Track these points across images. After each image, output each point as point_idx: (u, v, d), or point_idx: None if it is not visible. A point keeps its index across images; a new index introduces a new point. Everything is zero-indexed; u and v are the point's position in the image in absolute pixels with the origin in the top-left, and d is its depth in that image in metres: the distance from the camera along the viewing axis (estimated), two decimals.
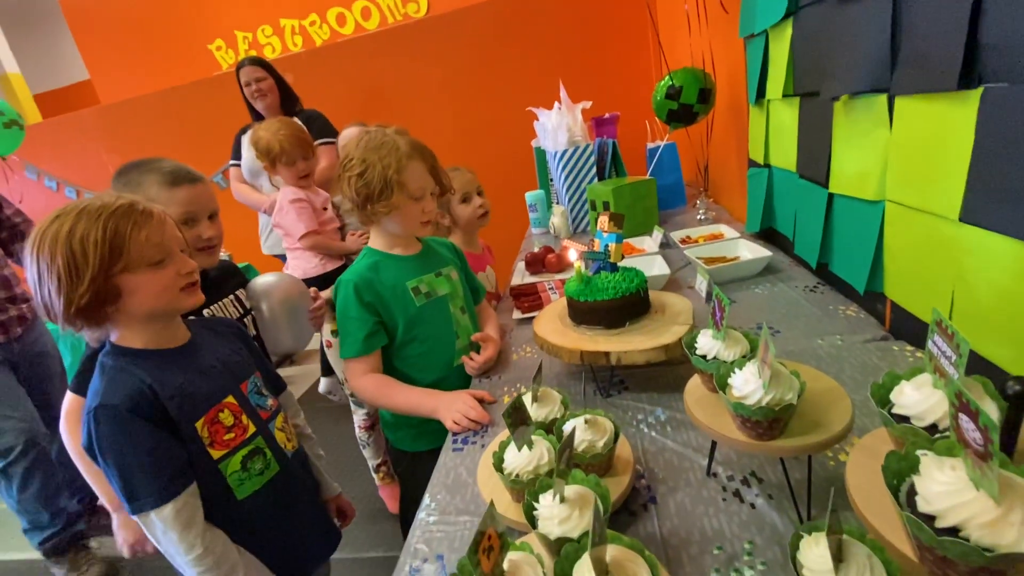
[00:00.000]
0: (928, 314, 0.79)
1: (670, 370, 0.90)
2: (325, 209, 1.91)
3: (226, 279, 1.10)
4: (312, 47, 3.73)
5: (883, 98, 0.83)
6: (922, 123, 0.75)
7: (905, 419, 0.39)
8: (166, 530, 0.71)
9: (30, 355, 1.83)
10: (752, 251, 1.30)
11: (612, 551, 0.40)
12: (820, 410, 0.54)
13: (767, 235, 1.45)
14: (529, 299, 1.32)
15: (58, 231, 0.67)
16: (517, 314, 1.30)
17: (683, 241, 1.49)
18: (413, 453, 1.10)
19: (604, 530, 0.41)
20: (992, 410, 0.33)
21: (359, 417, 1.74)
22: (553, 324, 0.95)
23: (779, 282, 1.19)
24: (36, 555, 1.82)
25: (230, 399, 0.81)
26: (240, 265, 3.15)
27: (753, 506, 0.60)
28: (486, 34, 2.95)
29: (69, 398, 0.92)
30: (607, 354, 0.81)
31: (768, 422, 0.50)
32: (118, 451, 0.70)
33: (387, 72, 3.14)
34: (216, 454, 0.77)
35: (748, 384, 0.51)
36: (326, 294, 1.22)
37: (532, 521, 0.47)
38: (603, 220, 0.93)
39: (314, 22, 3.85)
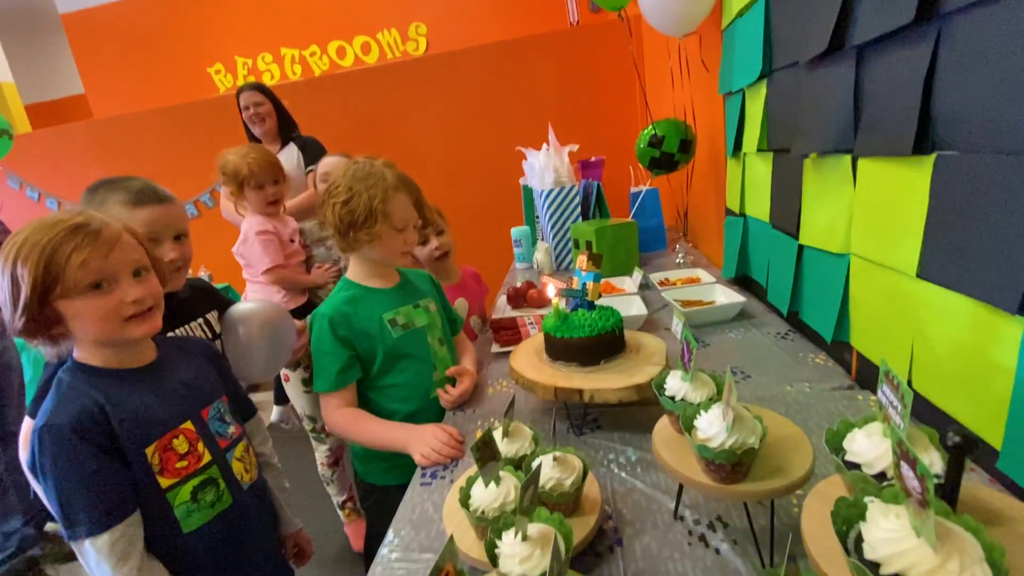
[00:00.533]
0: (891, 365, 0.82)
1: (643, 410, 0.91)
2: (292, 241, 1.89)
3: (196, 301, 1.07)
4: (311, 77, 3.82)
5: (848, 158, 0.88)
6: (882, 183, 0.80)
7: (856, 466, 0.40)
8: (99, 561, 0.67)
9: None
10: (727, 296, 1.33)
11: None
12: (782, 455, 0.55)
13: (742, 281, 1.49)
14: (508, 332, 1.33)
15: (7, 252, 0.66)
16: (495, 347, 1.30)
17: (661, 283, 1.53)
18: (383, 487, 1.08)
19: (564, 571, 0.41)
20: (935, 460, 0.35)
21: (320, 454, 1.69)
22: (529, 359, 0.96)
23: (752, 327, 1.22)
24: None
25: (187, 425, 0.78)
26: (219, 286, 3.12)
27: (718, 551, 0.60)
28: (481, 76, 3.07)
29: (27, 423, 0.89)
30: (580, 391, 0.82)
31: (731, 465, 0.51)
32: (59, 473, 0.67)
33: (383, 106, 3.22)
34: (165, 483, 0.74)
35: (712, 426, 0.52)
36: (299, 324, 1.20)
37: (493, 559, 0.46)
38: (582, 259, 0.95)
39: (314, 53, 3.96)
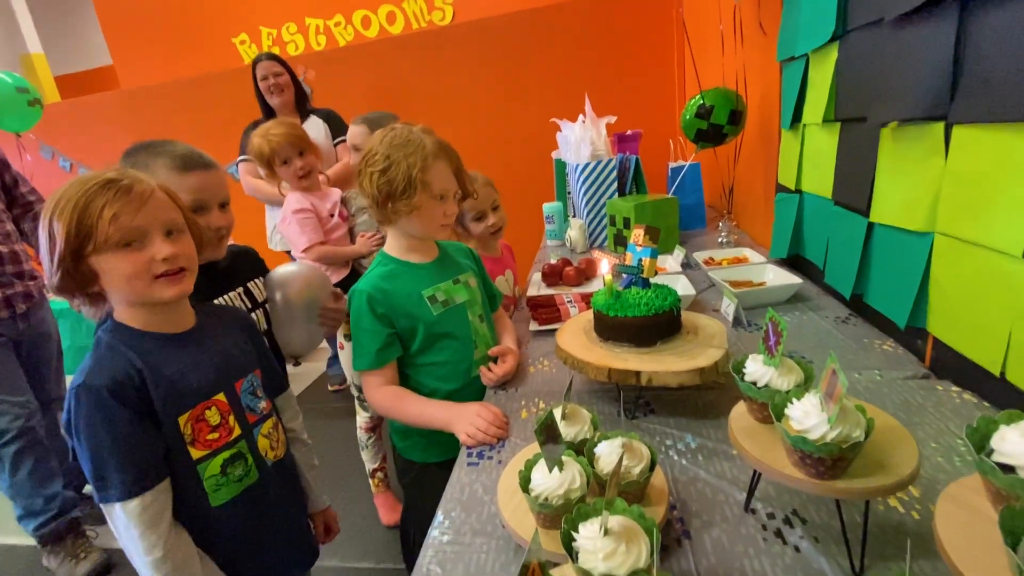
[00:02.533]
0: (979, 353, 0.75)
1: (699, 395, 0.86)
2: (332, 215, 1.86)
3: (238, 269, 1.05)
4: (335, 47, 3.74)
5: (939, 126, 0.79)
6: (984, 153, 0.72)
7: (1009, 468, 0.35)
8: (128, 525, 0.66)
9: (33, 335, 1.79)
10: (779, 277, 1.26)
11: None
12: (882, 450, 0.50)
13: (792, 262, 1.41)
14: (547, 311, 1.28)
15: (48, 207, 0.65)
16: (534, 325, 1.26)
17: (706, 262, 1.46)
18: (422, 464, 1.05)
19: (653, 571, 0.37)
20: None
21: (362, 418, 1.69)
22: (577, 338, 0.91)
23: (808, 311, 1.15)
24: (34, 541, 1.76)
25: (220, 397, 0.76)
26: None
27: (797, 549, 0.56)
28: (511, 44, 2.96)
29: None
30: (637, 373, 0.77)
31: (832, 460, 0.46)
32: (93, 434, 0.66)
33: (408, 76, 3.14)
34: (196, 454, 0.72)
35: (809, 417, 0.47)
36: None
37: (572, 553, 0.42)
38: (637, 233, 0.89)
39: (339, 23, 3.87)
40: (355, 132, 1.73)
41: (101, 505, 0.67)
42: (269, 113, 2.36)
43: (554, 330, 1.20)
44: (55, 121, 3.84)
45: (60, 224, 0.63)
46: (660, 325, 0.83)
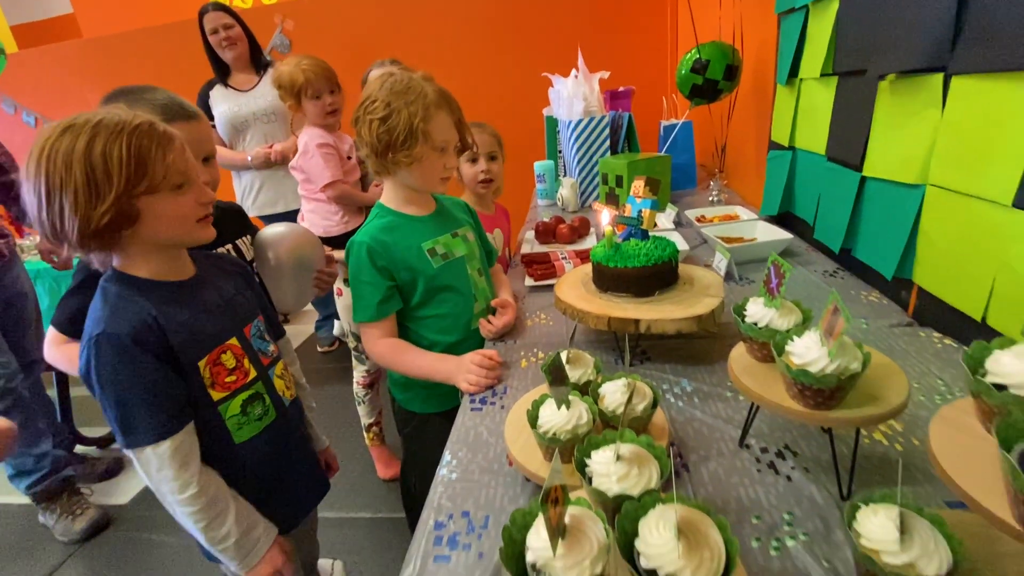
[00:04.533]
0: (962, 300, 0.79)
1: (694, 343, 0.89)
2: (349, 158, 1.81)
3: (225, 226, 1.02)
4: None
5: (938, 78, 0.80)
6: (982, 104, 0.73)
7: (1002, 387, 0.37)
8: (161, 467, 0.67)
9: (7, 295, 1.74)
10: (769, 233, 1.28)
11: (681, 511, 0.38)
12: (875, 384, 0.52)
13: (782, 219, 1.43)
14: (542, 267, 1.29)
15: (73, 145, 0.61)
16: (529, 281, 1.27)
17: (698, 220, 1.47)
18: (422, 415, 1.08)
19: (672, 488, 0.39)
20: None
21: (359, 373, 1.71)
22: (576, 290, 0.92)
23: (798, 265, 1.18)
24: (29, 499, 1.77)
25: (233, 341, 0.77)
26: None
27: (789, 478, 0.59)
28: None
29: (51, 332, 0.87)
30: (636, 322, 0.79)
31: (830, 391, 0.48)
32: (118, 382, 0.66)
33: (392, 26, 3.01)
34: (216, 396, 0.74)
35: (810, 351, 0.49)
36: (339, 255, 1.16)
37: (586, 477, 0.44)
38: (637, 184, 0.89)
39: None
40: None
41: (129, 451, 0.67)
42: (221, 69, 2.21)
43: (549, 286, 1.21)
44: (14, 72, 3.61)
45: (115, 164, 0.62)
46: (658, 275, 0.84)
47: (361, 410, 1.76)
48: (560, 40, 2.72)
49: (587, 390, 0.64)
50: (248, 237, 1.07)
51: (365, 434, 1.80)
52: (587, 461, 0.46)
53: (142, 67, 3.50)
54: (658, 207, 0.89)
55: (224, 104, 2.21)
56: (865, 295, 1.00)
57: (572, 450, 0.56)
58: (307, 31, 3.14)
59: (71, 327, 0.85)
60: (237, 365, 0.76)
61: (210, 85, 2.25)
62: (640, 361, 0.87)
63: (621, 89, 2.22)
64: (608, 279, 0.87)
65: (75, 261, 0.91)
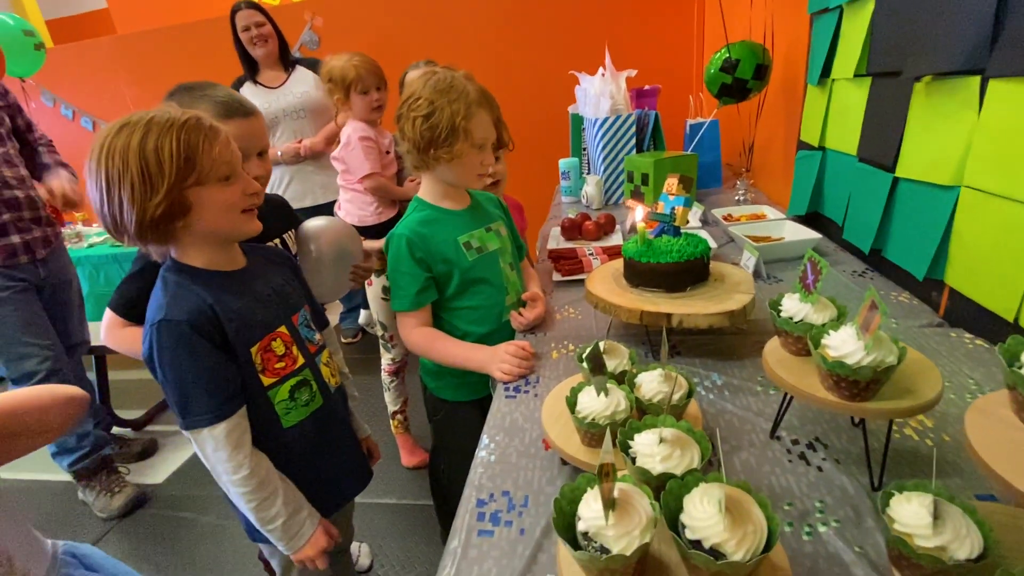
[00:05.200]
0: (995, 301, 0.79)
1: (723, 339, 0.91)
2: (388, 152, 1.86)
3: (274, 221, 1.07)
4: None
5: (975, 80, 0.81)
6: (1019, 107, 0.73)
7: None
8: (216, 448, 0.72)
9: (55, 281, 1.82)
10: (798, 232, 1.28)
11: (724, 488, 0.40)
12: (908, 378, 0.54)
13: (810, 219, 1.43)
14: (569, 263, 1.31)
15: (128, 141, 0.66)
16: (557, 276, 1.29)
17: (725, 218, 1.48)
18: (452, 403, 1.11)
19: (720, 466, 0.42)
20: None
21: (386, 360, 1.76)
22: (606, 285, 0.95)
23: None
24: (69, 477, 1.86)
25: (282, 329, 0.81)
26: None
27: (820, 469, 0.61)
28: None
29: (108, 316, 0.92)
30: (668, 316, 0.81)
31: (865, 383, 0.50)
32: (178, 366, 0.70)
33: (417, 22, 3.04)
34: (266, 381, 0.78)
35: (847, 344, 0.51)
36: (377, 244, 1.20)
37: (630, 457, 0.47)
38: (671, 182, 0.91)
39: None
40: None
41: (188, 432, 0.72)
42: (251, 66, 2.27)
43: (576, 280, 1.24)
44: (53, 66, 3.73)
45: (166, 157, 0.65)
46: (690, 271, 0.86)
47: (387, 397, 1.81)
48: (587, 38, 2.74)
49: (623, 379, 0.66)
50: (293, 231, 1.11)
51: (391, 421, 1.85)
52: (630, 443, 0.48)
53: (175, 63, 3.59)
54: (691, 204, 0.91)
55: (254, 101, 2.27)
56: (895, 295, 1.01)
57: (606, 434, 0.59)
58: (335, 28, 3.20)
59: (129, 311, 0.90)
60: (286, 352, 0.79)
61: (239, 82, 2.30)
62: (671, 355, 0.89)
63: (647, 87, 2.23)
64: (640, 274, 0.89)
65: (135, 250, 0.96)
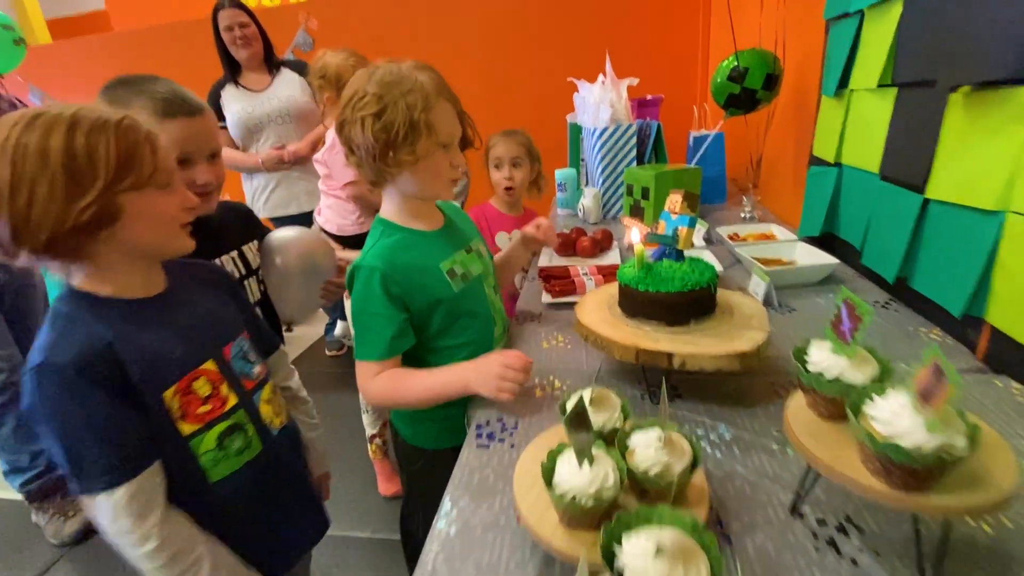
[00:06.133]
0: None
1: (731, 379, 0.79)
2: None
3: (233, 230, 0.94)
4: None
5: (1023, 91, 0.70)
6: None
7: None
8: (116, 517, 0.58)
9: (16, 285, 1.70)
10: (811, 256, 1.17)
11: None
12: (973, 457, 0.42)
13: (823, 241, 1.32)
14: (561, 282, 1.20)
15: (46, 137, 0.55)
16: (546, 298, 1.18)
17: (731, 238, 1.37)
18: (433, 451, 0.95)
19: None
20: None
21: None
22: (599, 313, 0.83)
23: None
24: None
25: (209, 365, 0.68)
26: None
27: (855, 562, 0.49)
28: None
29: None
30: (669, 355, 0.69)
31: (925, 472, 0.38)
32: (63, 420, 0.57)
33: (412, 26, 2.96)
34: (187, 429, 0.64)
35: (900, 419, 0.39)
36: (355, 255, 1.08)
37: (616, 570, 0.35)
38: (674, 199, 0.80)
39: None
40: None
41: (80, 497, 0.59)
42: (233, 67, 2.16)
43: (568, 303, 1.12)
44: (45, 63, 3.65)
45: (101, 156, 0.56)
46: (695, 302, 0.75)
47: (366, 419, 1.68)
48: (587, 45, 2.65)
49: (613, 438, 0.54)
50: (256, 243, 1.00)
51: (368, 445, 1.72)
52: (617, 551, 0.37)
53: (168, 61, 3.50)
54: (695, 225, 0.79)
55: (237, 105, 2.17)
56: (925, 332, 0.89)
57: (596, 516, 0.47)
58: (330, 31, 3.11)
59: None
60: (213, 392, 0.67)
61: (220, 85, 2.20)
62: (670, 398, 0.77)
63: (649, 97, 2.13)
64: (637, 304, 0.78)
65: None
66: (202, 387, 0.65)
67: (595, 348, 0.78)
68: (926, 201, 0.91)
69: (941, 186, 0.87)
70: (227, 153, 2.19)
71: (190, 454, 0.65)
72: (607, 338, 0.75)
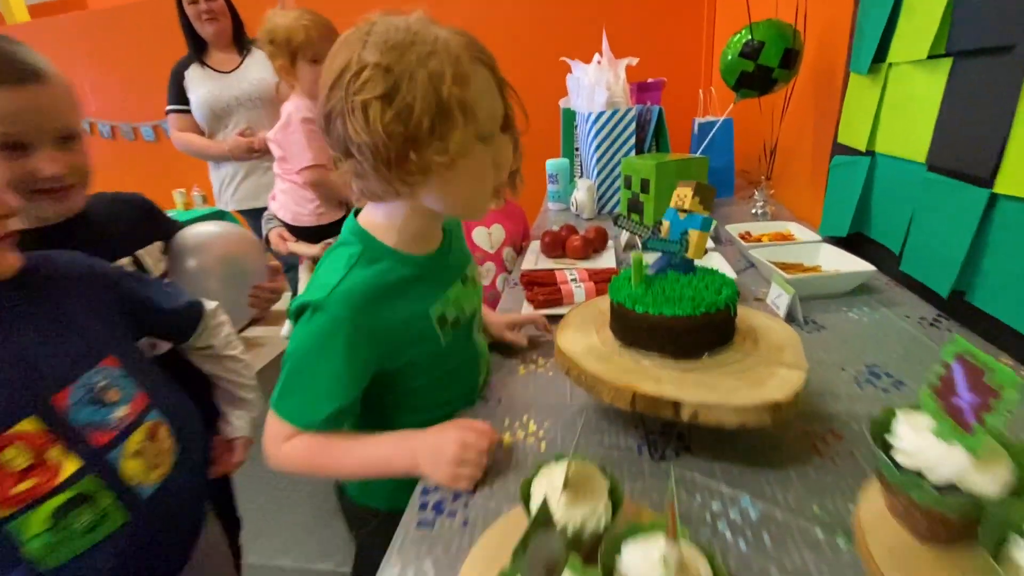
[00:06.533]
0: None
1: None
2: None
3: (118, 230, 0.74)
4: None
5: None
6: None
7: None
8: None
9: None
10: (839, 260, 0.99)
11: None
12: None
13: (850, 243, 1.14)
14: (545, 290, 1.02)
15: None
16: (527, 308, 1.00)
17: (742, 237, 1.19)
18: (387, 512, 0.76)
19: None
20: None
21: None
22: (586, 337, 0.65)
23: (880, 306, 0.90)
24: None
25: (25, 425, 0.50)
26: (208, 211, 2.81)
27: None
28: None
29: None
30: (676, 404, 0.52)
31: None
32: None
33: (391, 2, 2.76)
34: (1, 513, 0.48)
35: None
36: (311, 251, 0.89)
37: None
38: (682, 194, 0.62)
39: None
40: None
41: None
42: (198, 46, 1.95)
43: (554, 316, 0.95)
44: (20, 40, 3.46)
45: None
46: (710, 329, 0.57)
47: None
48: (582, 21, 2.45)
49: (595, 551, 0.37)
50: (161, 244, 0.82)
51: None
52: None
53: (134, 42, 3.32)
54: (710, 228, 0.61)
55: (203, 87, 1.97)
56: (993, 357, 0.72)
57: None
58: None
59: None
60: (35, 463, 0.49)
61: (185, 64, 2.00)
62: (676, 452, 0.59)
63: (650, 80, 1.94)
64: (634, 329, 0.60)
65: None
66: (15, 457, 0.47)
67: (580, 387, 0.60)
68: (993, 196, 0.73)
69: (1015, 178, 0.69)
70: (191, 139, 2.01)
71: (10, 542, 0.47)
72: (595, 375, 0.57)
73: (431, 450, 0.57)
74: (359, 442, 0.60)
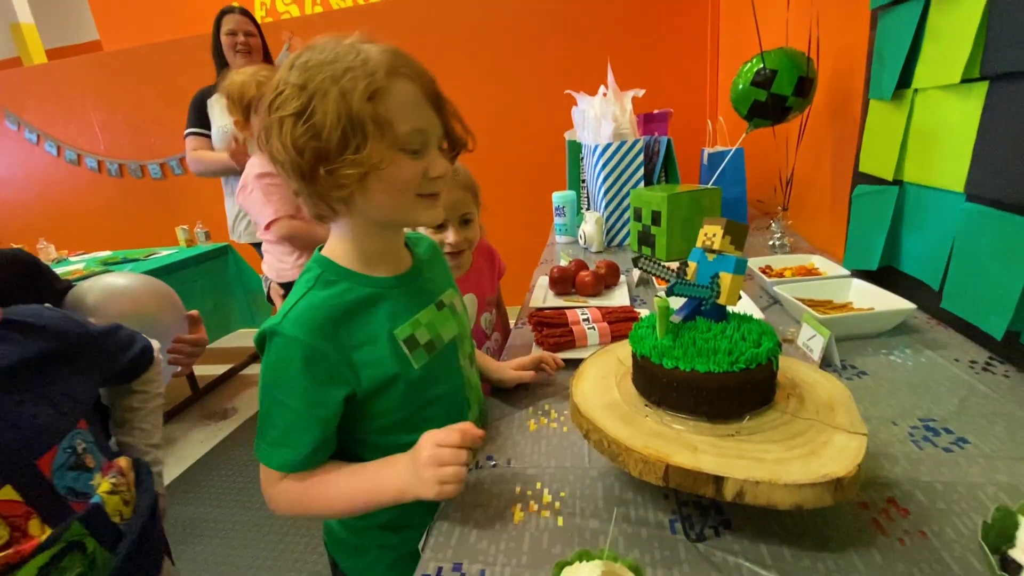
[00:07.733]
0: None
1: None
2: None
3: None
4: (330, 11, 3.41)
5: None
6: None
7: None
8: None
9: None
10: (873, 297, 0.92)
11: None
12: None
13: (880, 277, 1.07)
14: (555, 332, 0.95)
15: None
16: (537, 351, 0.93)
17: (764, 271, 1.12)
18: None
19: None
20: None
21: None
22: (606, 393, 0.58)
23: (924, 348, 0.82)
24: None
25: (6, 494, 0.45)
26: (214, 246, 2.79)
27: None
28: (522, 7, 2.60)
29: None
30: (718, 481, 0.44)
31: None
32: None
33: (399, 42, 2.80)
34: None
35: None
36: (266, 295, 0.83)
37: None
38: (711, 232, 0.56)
39: None
40: None
41: None
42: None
43: (570, 360, 0.88)
44: (25, 89, 3.55)
45: None
46: (751, 388, 0.50)
47: None
48: (586, 54, 2.46)
49: None
50: (49, 306, 0.74)
51: None
52: None
53: (149, 85, 3.39)
54: (744, 270, 0.55)
55: (226, 118, 1.99)
56: None
57: None
58: None
59: None
60: (12, 538, 0.44)
61: (208, 92, 2.02)
62: (715, 530, 0.51)
63: (656, 112, 1.92)
64: (662, 386, 0.53)
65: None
66: None
67: (602, 453, 0.53)
68: None
69: None
70: (202, 155, 2.01)
71: None
72: (619, 442, 0.50)
73: (409, 464, 0.56)
74: (344, 477, 0.59)
